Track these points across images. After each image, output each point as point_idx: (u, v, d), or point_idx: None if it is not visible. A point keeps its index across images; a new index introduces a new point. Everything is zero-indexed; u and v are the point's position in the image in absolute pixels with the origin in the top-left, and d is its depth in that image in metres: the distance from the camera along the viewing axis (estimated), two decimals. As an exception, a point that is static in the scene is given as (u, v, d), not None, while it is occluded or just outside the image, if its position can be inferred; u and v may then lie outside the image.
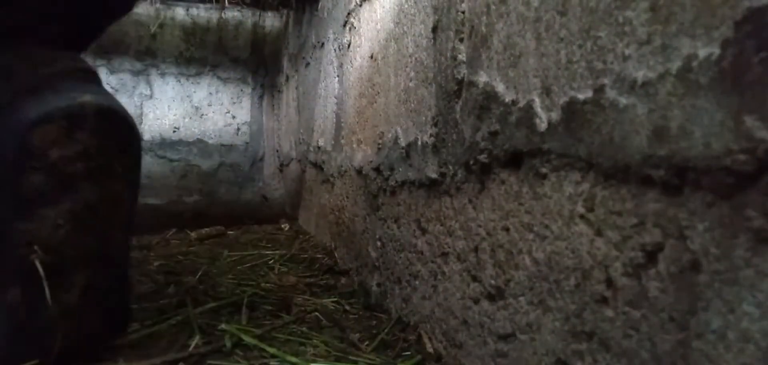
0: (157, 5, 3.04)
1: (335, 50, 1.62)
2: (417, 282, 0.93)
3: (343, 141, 1.50)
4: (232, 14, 3.21)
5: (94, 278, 0.79)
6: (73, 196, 0.75)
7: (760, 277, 0.33)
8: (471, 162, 0.71)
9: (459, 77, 0.75)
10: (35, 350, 0.73)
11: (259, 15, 3.21)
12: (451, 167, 0.78)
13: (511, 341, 0.63)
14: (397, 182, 1.02)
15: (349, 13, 1.41)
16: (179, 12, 3.14)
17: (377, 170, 1.14)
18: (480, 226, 0.71)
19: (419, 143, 0.90)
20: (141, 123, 3.15)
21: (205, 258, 1.60)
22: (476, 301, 0.72)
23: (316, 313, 1.06)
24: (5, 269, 0.72)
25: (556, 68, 0.53)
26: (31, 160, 0.71)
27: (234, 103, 3.25)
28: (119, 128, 0.80)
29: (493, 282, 0.67)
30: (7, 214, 0.70)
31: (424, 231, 0.90)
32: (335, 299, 1.17)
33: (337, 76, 1.57)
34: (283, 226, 2.27)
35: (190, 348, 0.86)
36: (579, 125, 0.50)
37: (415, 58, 0.92)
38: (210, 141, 3.29)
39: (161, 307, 1.07)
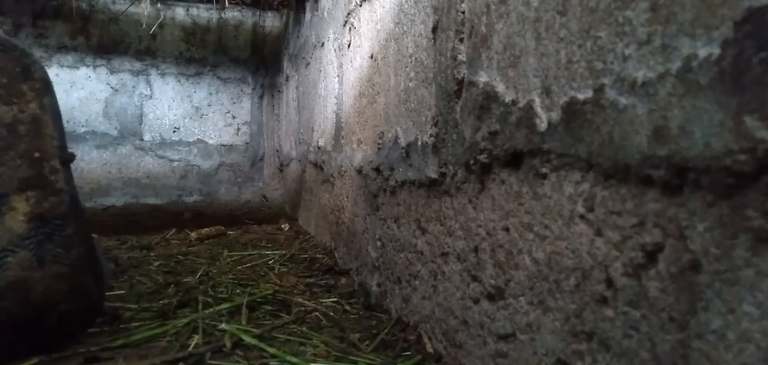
0: (158, 5, 3.04)
1: (335, 50, 1.61)
2: (417, 282, 0.93)
3: (343, 141, 1.50)
4: (232, 14, 3.21)
5: (39, 205, 0.83)
6: None
7: (760, 277, 0.33)
8: (471, 162, 0.71)
9: (459, 77, 0.75)
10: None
11: (259, 15, 3.22)
12: (451, 167, 0.78)
13: (511, 341, 0.63)
14: (397, 182, 1.02)
15: (349, 13, 1.41)
16: (179, 12, 3.14)
17: (377, 170, 1.14)
18: (480, 226, 0.71)
19: (419, 143, 0.90)
20: (141, 123, 3.15)
21: (205, 258, 1.60)
22: (476, 301, 0.72)
23: (316, 313, 1.06)
24: None
25: (556, 68, 0.53)
26: None
27: (234, 103, 3.25)
28: (14, 51, 0.86)
29: (493, 281, 0.67)
30: None
31: (424, 231, 0.90)
32: (335, 299, 1.17)
33: (337, 76, 1.57)
34: (283, 226, 2.27)
35: (190, 348, 0.86)
36: (579, 124, 0.50)
37: (415, 58, 0.92)
38: (210, 141, 3.29)
39: (161, 307, 1.07)
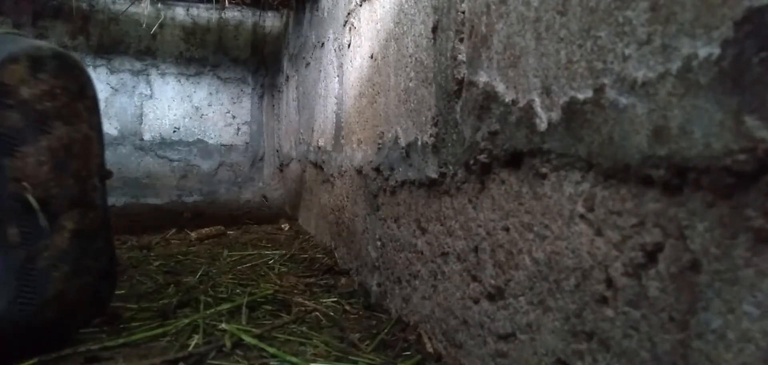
0: (158, 5, 3.04)
1: (335, 50, 1.62)
2: (417, 282, 0.93)
3: (343, 141, 1.50)
4: (232, 14, 3.22)
5: (81, 222, 0.85)
6: (48, 134, 0.81)
7: (760, 277, 0.33)
8: (471, 162, 0.71)
9: (459, 77, 0.75)
10: (36, 294, 0.79)
11: (259, 15, 3.22)
12: (451, 167, 0.78)
13: (511, 341, 0.63)
14: (397, 182, 1.02)
15: (349, 13, 1.41)
16: (179, 12, 3.14)
17: (377, 170, 1.14)
18: (480, 226, 0.71)
19: (419, 143, 0.90)
20: (141, 123, 3.15)
21: (205, 258, 1.60)
22: (476, 301, 0.72)
23: (316, 313, 1.06)
24: (2, 210, 0.77)
25: (556, 68, 0.53)
26: (5, 98, 0.77)
27: (234, 103, 3.25)
28: (74, 70, 0.87)
29: (493, 281, 0.67)
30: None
31: (424, 231, 0.90)
32: (335, 299, 1.17)
33: (337, 76, 1.57)
34: (283, 226, 2.27)
35: (190, 348, 0.86)
36: (579, 124, 0.50)
37: (415, 58, 0.92)
38: (210, 141, 3.29)
39: (161, 307, 1.07)
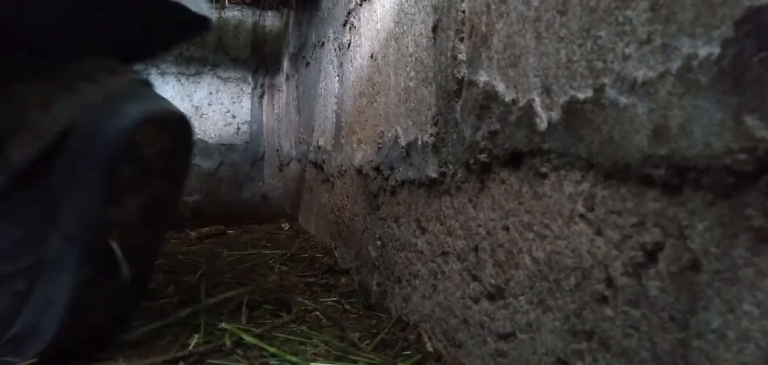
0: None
1: (335, 50, 1.61)
2: (417, 282, 0.93)
3: (343, 141, 1.50)
4: (232, 14, 3.21)
5: (140, 268, 0.88)
6: (148, 189, 0.84)
7: (760, 277, 0.33)
8: (471, 162, 0.71)
9: (459, 77, 0.75)
10: (85, 327, 0.81)
11: (259, 15, 3.21)
12: (451, 167, 0.78)
13: (511, 340, 0.63)
14: (397, 181, 1.02)
15: (349, 13, 1.41)
16: (179, 11, 3.13)
17: (377, 169, 1.14)
18: (480, 225, 0.71)
19: (419, 142, 0.90)
20: (141, 123, 3.15)
21: (205, 258, 1.60)
22: (476, 300, 0.72)
23: (316, 313, 1.06)
24: (84, 248, 0.79)
25: (556, 68, 0.53)
26: (130, 155, 0.80)
27: (234, 102, 3.25)
28: (189, 134, 0.90)
29: (493, 281, 0.67)
30: (95, 200, 0.79)
31: (424, 231, 0.90)
32: (335, 299, 1.17)
33: (337, 75, 1.57)
34: (283, 226, 2.27)
35: (190, 348, 0.86)
36: (579, 124, 0.50)
37: (416, 58, 0.92)
38: (210, 141, 3.29)
39: (161, 307, 1.07)
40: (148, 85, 0.95)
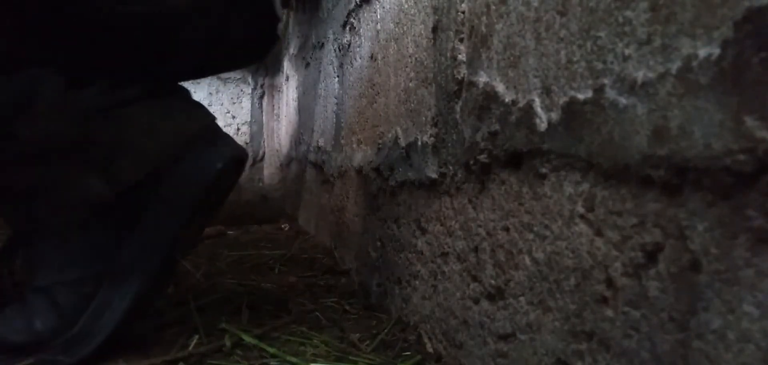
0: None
1: (335, 51, 1.62)
2: (417, 282, 0.93)
3: (343, 141, 1.50)
4: (232, 14, 3.21)
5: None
6: (213, 213, 0.96)
7: (760, 277, 0.33)
8: (471, 162, 0.71)
9: (459, 77, 0.75)
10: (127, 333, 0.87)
11: (259, 15, 3.20)
12: (451, 167, 0.78)
13: (511, 341, 0.63)
14: (396, 182, 1.02)
15: (349, 14, 1.41)
16: (179, 12, 3.13)
17: (377, 170, 1.14)
18: (480, 226, 0.71)
19: (419, 143, 0.90)
20: (141, 123, 3.15)
21: (205, 258, 1.60)
22: (476, 301, 0.72)
23: (316, 314, 1.06)
24: (152, 265, 0.85)
25: (556, 68, 0.53)
26: (212, 193, 0.88)
27: (234, 103, 3.25)
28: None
29: (493, 281, 0.67)
30: (172, 225, 0.85)
31: (423, 231, 0.90)
32: (335, 299, 1.17)
33: (337, 76, 1.57)
34: (283, 226, 2.27)
35: (190, 348, 0.86)
36: (579, 125, 0.50)
37: (415, 59, 0.92)
38: (210, 141, 3.29)
39: (161, 307, 1.07)
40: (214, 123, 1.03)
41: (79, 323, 0.81)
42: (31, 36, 0.76)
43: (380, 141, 1.12)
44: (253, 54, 1.10)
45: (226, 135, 0.97)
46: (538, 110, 0.56)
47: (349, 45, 1.42)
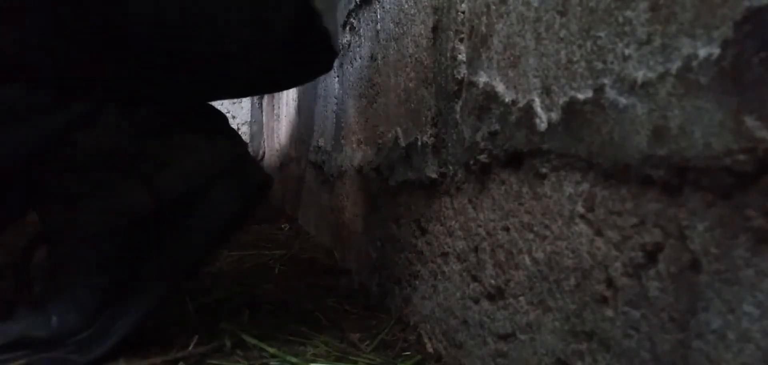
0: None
1: (335, 50, 1.61)
2: (417, 282, 0.93)
3: (343, 141, 1.50)
4: (232, 14, 3.20)
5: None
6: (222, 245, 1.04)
7: (760, 277, 0.33)
8: (471, 162, 0.72)
9: (459, 77, 0.75)
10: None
11: (259, 15, 3.20)
12: (451, 167, 0.78)
13: (511, 341, 0.63)
14: (396, 182, 1.02)
15: (349, 14, 1.41)
16: (179, 12, 3.13)
17: (377, 170, 1.14)
18: (480, 226, 0.71)
19: (419, 143, 0.90)
20: (141, 123, 3.15)
21: (205, 258, 1.60)
22: (476, 301, 0.72)
23: (316, 314, 1.06)
24: (174, 284, 0.90)
25: (556, 68, 0.53)
26: (241, 219, 0.93)
27: (234, 103, 3.25)
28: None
29: (493, 281, 0.67)
30: (198, 249, 0.90)
31: (423, 231, 0.90)
32: (335, 299, 1.17)
33: (337, 76, 1.57)
34: (283, 226, 2.27)
35: (190, 348, 0.86)
36: (579, 125, 0.50)
37: (415, 59, 0.92)
38: (210, 141, 3.28)
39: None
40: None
41: (94, 325, 0.84)
42: (99, 62, 0.80)
43: (380, 141, 1.12)
44: (302, 81, 1.16)
45: (256, 162, 1.00)
46: (538, 109, 0.56)
47: (349, 45, 1.42)
